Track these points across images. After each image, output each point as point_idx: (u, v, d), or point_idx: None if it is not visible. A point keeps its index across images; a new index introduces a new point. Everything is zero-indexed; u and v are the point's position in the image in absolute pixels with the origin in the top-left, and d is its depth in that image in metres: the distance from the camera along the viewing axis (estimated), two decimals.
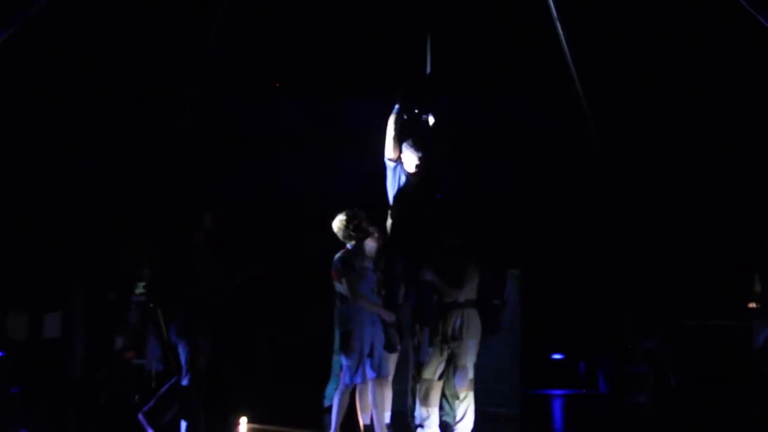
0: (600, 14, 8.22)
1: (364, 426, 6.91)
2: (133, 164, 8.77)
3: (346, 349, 6.65)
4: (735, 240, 8.64)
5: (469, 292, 6.86)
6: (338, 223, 6.79)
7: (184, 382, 6.51)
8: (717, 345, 8.37)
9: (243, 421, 7.79)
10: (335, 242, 6.84)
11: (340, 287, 6.70)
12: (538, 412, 8.13)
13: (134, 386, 7.98)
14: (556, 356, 9.76)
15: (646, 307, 8.66)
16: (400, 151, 7.20)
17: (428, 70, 7.71)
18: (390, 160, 7.19)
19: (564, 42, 8.05)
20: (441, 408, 7.13)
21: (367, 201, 8.13)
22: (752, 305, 8.02)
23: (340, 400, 6.72)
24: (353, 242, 6.79)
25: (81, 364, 8.43)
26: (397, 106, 7.31)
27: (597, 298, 9.25)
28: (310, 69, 9.02)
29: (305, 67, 9.02)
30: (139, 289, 7.97)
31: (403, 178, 7.19)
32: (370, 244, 7.02)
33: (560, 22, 7.87)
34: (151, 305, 7.58)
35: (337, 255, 6.77)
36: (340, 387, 6.76)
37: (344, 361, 6.69)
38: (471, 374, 6.79)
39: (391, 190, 7.20)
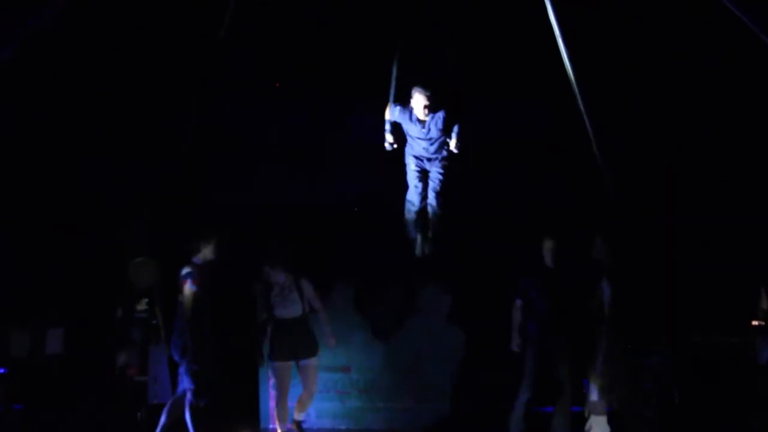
0: (599, 15, 8.22)
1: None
2: (135, 179, 8.78)
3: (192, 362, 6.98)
4: (740, 255, 8.62)
5: None
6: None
7: None
8: (721, 361, 8.37)
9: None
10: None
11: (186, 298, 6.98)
12: (541, 429, 8.08)
13: (136, 403, 8.01)
14: None
15: (649, 323, 8.61)
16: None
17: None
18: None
19: (561, 43, 8.02)
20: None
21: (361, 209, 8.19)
22: (756, 322, 7.98)
23: (170, 409, 7.08)
24: (201, 256, 7.15)
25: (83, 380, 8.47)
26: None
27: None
28: (311, 78, 9.01)
29: (307, 76, 9.01)
30: (142, 305, 7.98)
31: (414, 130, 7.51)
32: (280, 276, 7.38)
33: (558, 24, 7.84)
34: (154, 321, 7.59)
35: (188, 269, 7.07)
36: (180, 399, 7.04)
37: (188, 371, 7.00)
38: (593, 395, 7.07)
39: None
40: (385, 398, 8.36)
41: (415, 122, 7.61)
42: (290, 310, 7.38)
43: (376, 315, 8.55)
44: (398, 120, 7.66)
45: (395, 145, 7.56)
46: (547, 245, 7.70)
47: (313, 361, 7.47)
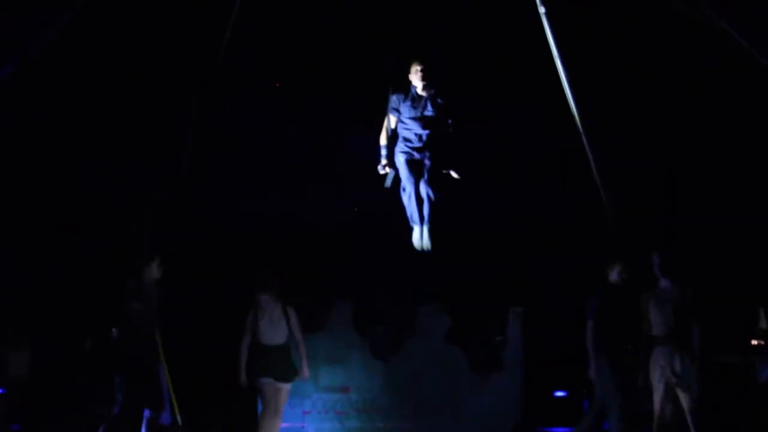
0: (598, 16, 8.20)
1: None
2: (135, 179, 8.77)
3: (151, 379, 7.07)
4: (740, 275, 8.59)
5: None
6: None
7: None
8: (721, 381, 8.24)
9: None
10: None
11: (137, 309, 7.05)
12: None
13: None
14: (559, 393, 9.51)
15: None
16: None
17: None
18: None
19: (556, 49, 8.00)
20: None
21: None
22: (755, 342, 7.95)
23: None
24: (146, 275, 7.27)
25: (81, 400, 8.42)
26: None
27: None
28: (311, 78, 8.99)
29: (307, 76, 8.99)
30: None
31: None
32: (271, 304, 7.44)
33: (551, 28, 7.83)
34: None
35: (135, 288, 7.16)
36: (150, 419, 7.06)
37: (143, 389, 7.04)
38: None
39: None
40: (385, 418, 8.45)
41: (412, 98, 7.25)
42: (277, 337, 7.49)
43: (375, 335, 8.54)
44: (396, 110, 7.29)
45: (388, 169, 7.35)
46: (617, 267, 7.61)
47: (286, 386, 7.54)
